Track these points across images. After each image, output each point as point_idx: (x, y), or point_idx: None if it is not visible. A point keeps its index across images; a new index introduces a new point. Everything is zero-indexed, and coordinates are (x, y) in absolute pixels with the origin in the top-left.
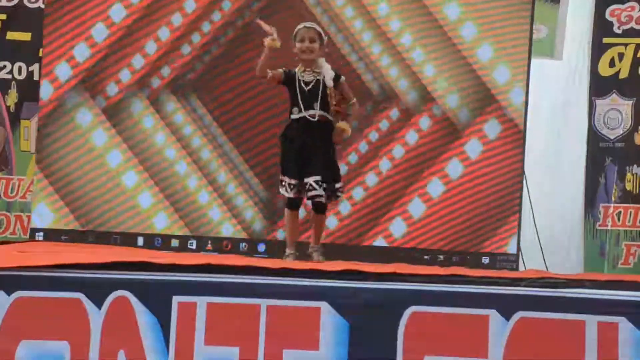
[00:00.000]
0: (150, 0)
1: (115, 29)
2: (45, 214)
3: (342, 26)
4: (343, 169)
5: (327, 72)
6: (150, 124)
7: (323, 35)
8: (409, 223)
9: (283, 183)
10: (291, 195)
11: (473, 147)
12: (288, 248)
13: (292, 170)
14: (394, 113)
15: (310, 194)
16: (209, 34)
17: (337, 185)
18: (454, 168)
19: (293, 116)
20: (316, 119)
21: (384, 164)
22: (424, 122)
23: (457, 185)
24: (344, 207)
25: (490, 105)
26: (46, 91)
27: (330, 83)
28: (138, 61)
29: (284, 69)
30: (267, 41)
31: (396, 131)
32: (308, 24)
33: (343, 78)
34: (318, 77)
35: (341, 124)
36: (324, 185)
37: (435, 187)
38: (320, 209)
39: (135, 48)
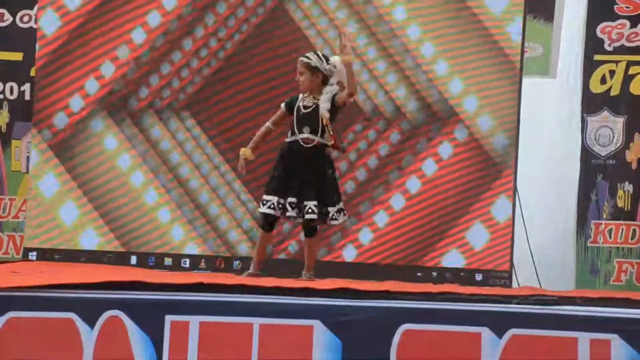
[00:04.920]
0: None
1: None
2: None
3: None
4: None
5: (323, 102)
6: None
7: (314, 64)
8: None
9: (266, 202)
10: (277, 214)
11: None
12: (254, 268)
13: (278, 190)
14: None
15: (307, 217)
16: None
17: (332, 209)
18: (426, 175)
19: (287, 139)
20: (308, 143)
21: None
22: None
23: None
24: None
25: None
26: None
27: (323, 112)
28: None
29: (285, 101)
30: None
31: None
32: (303, 58)
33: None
34: (318, 103)
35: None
36: (320, 209)
37: (397, 202)
38: (311, 232)
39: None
